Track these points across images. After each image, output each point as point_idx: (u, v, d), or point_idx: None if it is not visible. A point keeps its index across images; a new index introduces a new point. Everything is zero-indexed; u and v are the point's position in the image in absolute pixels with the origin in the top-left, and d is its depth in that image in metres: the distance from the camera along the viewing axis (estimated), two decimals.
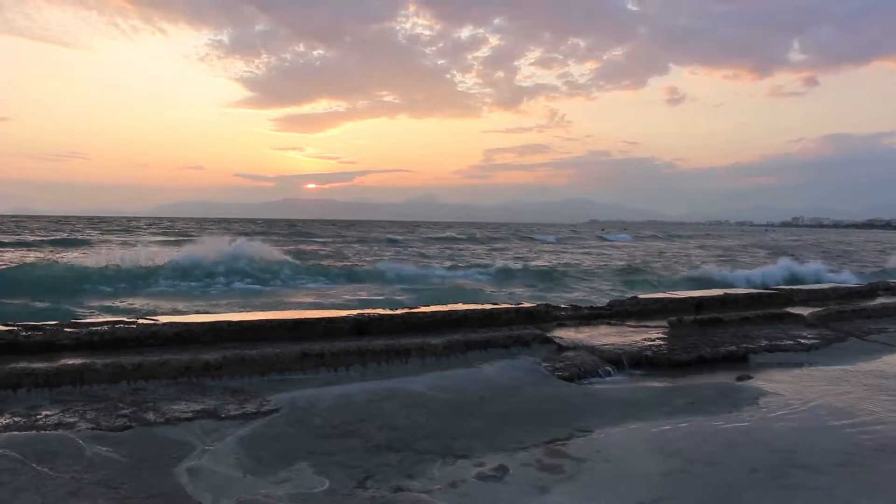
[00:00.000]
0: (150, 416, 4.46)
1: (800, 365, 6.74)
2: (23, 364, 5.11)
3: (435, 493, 3.54)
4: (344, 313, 7.41)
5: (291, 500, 3.42)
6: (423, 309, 8.05)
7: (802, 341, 7.56)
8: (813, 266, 33.56)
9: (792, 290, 11.74)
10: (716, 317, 8.48)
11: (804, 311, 9.23)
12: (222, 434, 4.25)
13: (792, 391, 5.65)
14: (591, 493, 3.59)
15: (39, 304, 17.43)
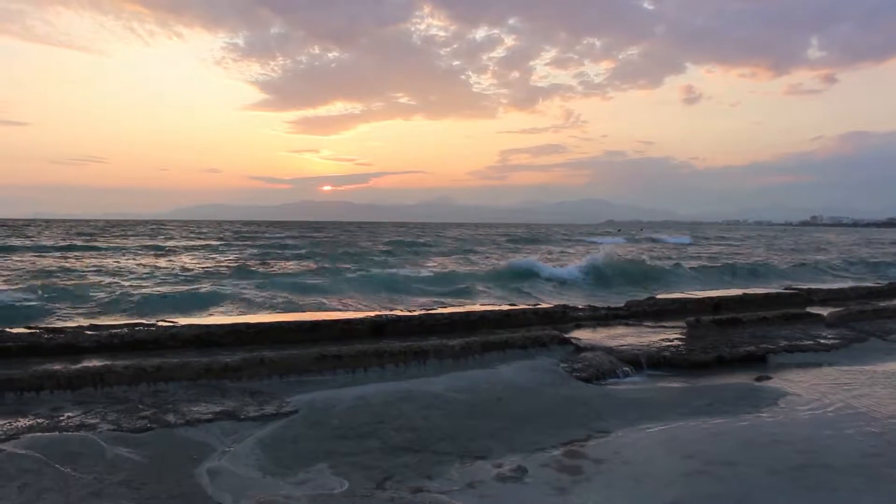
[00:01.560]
0: (171, 417, 4.49)
1: (819, 365, 6.69)
2: (45, 366, 5.17)
3: (454, 493, 3.55)
4: (361, 315, 7.44)
5: (311, 501, 3.43)
6: (440, 310, 8.06)
7: (822, 341, 7.50)
8: None
9: (811, 289, 11.65)
10: (734, 317, 8.43)
11: (824, 311, 9.16)
12: (242, 435, 4.28)
13: (812, 392, 5.60)
14: (609, 494, 3.58)
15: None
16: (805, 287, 12.33)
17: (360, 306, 13.85)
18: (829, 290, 11.67)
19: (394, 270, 20.19)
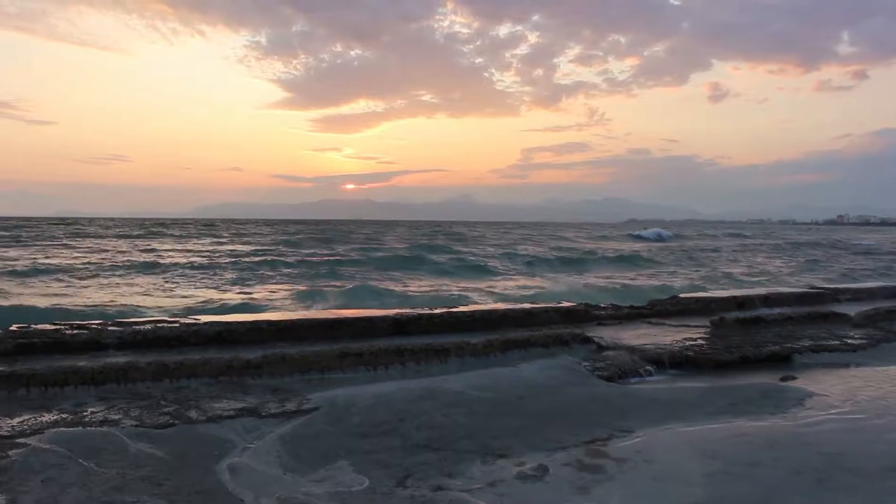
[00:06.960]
0: (193, 413, 4.52)
1: (846, 365, 6.59)
2: (69, 362, 5.22)
3: (475, 492, 3.54)
4: (382, 312, 7.44)
5: (331, 498, 3.43)
6: (462, 308, 8.04)
7: (849, 341, 7.39)
8: None
9: (837, 289, 11.49)
10: (758, 316, 8.34)
11: (850, 311, 9.02)
12: (263, 432, 4.30)
13: (837, 392, 5.52)
14: (631, 494, 3.55)
15: None
16: (831, 286, 12.17)
17: None
18: (857, 290, 11.50)
19: None
